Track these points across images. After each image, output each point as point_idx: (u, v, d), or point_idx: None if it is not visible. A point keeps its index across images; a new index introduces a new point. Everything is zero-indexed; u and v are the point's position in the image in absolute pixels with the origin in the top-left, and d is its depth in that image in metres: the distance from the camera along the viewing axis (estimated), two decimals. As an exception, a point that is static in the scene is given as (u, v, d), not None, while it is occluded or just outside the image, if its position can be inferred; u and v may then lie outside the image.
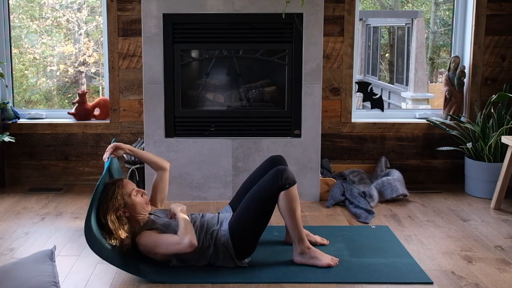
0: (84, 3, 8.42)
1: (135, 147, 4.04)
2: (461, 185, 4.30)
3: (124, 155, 3.21)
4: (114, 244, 2.69)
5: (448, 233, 3.38)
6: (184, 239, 2.66)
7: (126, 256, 2.75)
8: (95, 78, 8.92)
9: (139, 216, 2.80)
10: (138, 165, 3.97)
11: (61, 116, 4.50)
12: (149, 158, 3.08)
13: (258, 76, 4.13)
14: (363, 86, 4.53)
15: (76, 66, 8.61)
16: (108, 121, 4.37)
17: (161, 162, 3.07)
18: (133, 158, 3.94)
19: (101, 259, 2.78)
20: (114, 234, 2.68)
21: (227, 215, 2.95)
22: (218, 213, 3.01)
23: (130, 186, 2.81)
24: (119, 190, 2.74)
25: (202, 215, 2.96)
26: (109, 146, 2.90)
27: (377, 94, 4.58)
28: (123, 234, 2.70)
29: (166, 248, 2.71)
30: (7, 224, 3.51)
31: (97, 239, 2.66)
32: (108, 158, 2.88)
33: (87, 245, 3.12)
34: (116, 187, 2.75)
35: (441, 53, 11.09)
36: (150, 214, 2.87)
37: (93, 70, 8.81)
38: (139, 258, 2.79)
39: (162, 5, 3.83)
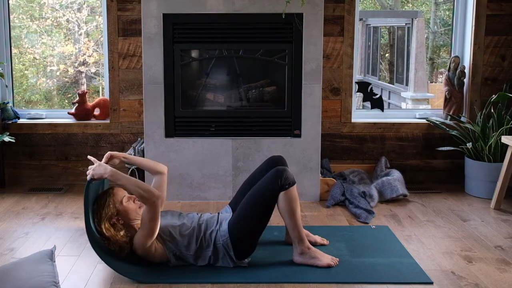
0: (84, 3, 8.42)
1: (135, 147, 4.05)
2: (461, 185, 4.30)
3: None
4: (113, 249, 2.72)
5: (448, 233, 3.38)
6: (148, 203, 2.60)
7: (125, 260, 2.76)
8: (95, 78, 8.91)
9: (133, 222, 2.79)
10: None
11: (61, 116, 4.51)
12: (145, 164, 3.07)
13: (258, 76, 4.13)
14: (363, 86, 4.53)
15: (76, 66, 8.61)
16: (108, 121, 4.37)
17: (158, 166, 3.05)
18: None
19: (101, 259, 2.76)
20: (112, 240, 2.70)
21: (226, 215, 2.95)
22: (218, 213, 3.01)
23: (121, 193, 2.80)
24: (111, 199, 2.74)
25: (200, 215, 2.96)
26: (104, 156, 2.85)
27: (377, 94, 4.58)
28: (120, 239, 2.71)
29: (149, 220, 2.63)
30: (7, 224, 3.51)
31: (98, 243, 2.70)
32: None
33: (87, 245, 3.14)
34: (108, 196, 2.76)
35: (441, 53, 11.08)
36: None
37: (93, 70, 8.81)
38: (138, 262, 2.80)
39: (162, 5, 3.83)
